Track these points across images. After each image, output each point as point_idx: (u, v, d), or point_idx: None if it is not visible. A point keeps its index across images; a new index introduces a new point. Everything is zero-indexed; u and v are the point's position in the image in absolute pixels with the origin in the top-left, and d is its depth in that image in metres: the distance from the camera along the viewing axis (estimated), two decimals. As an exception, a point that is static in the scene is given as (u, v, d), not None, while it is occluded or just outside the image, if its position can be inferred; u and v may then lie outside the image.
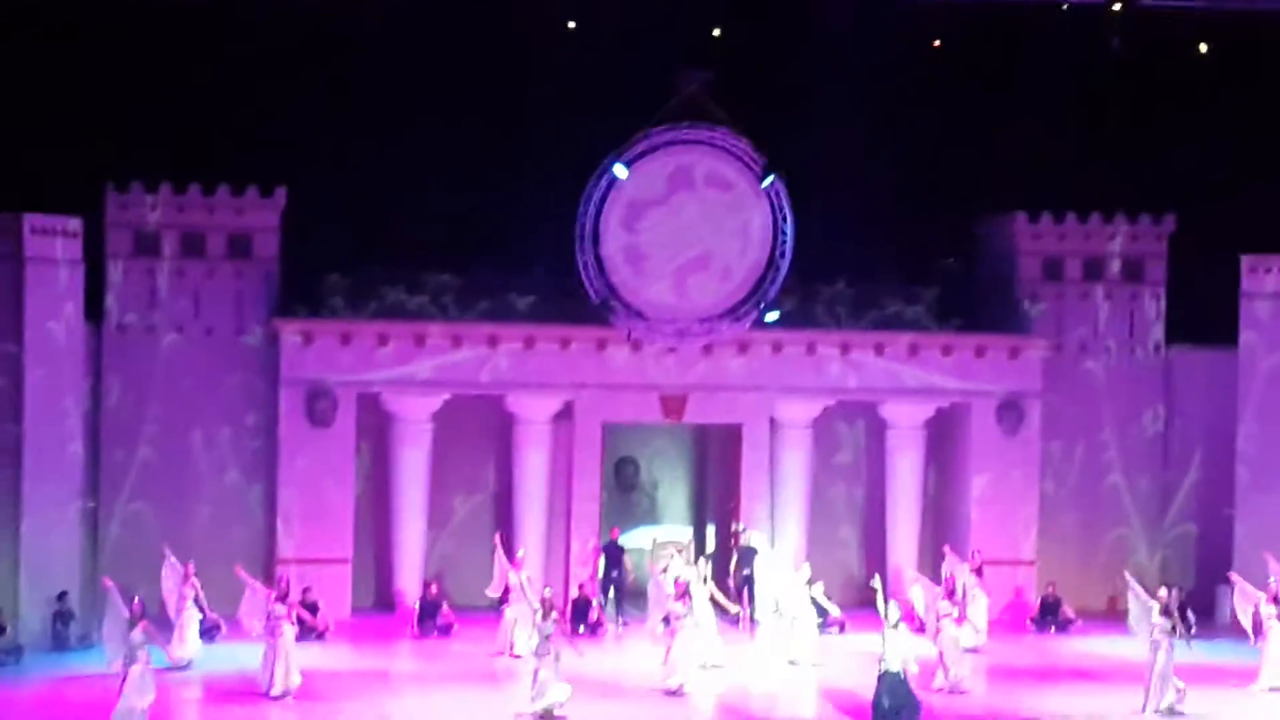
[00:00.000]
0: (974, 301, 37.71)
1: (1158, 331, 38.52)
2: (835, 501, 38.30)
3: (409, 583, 35.83)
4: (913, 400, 37.17)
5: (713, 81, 34.87)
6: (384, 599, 36.21)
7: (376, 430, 36.26)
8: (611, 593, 35.22)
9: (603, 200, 34.44)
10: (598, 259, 34.59)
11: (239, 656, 29.53)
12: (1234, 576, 31.06)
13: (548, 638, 27.05)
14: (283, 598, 28.66)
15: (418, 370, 35.60)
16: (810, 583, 32.27)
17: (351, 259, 35.48)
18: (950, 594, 30.13)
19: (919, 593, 30.53)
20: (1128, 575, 29.27)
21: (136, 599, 25.85)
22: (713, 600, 31.47)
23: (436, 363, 35.62)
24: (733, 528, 35.97)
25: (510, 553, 32.52)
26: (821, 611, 32.77)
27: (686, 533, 38.61)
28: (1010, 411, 37.09)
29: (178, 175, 35.12)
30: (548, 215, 34.27)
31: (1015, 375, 37.07)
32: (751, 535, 34.91)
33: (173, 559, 31.35)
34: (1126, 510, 38.53)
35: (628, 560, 35.37)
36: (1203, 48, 36.91)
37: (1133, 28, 36.80)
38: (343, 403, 35.27)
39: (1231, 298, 36.62)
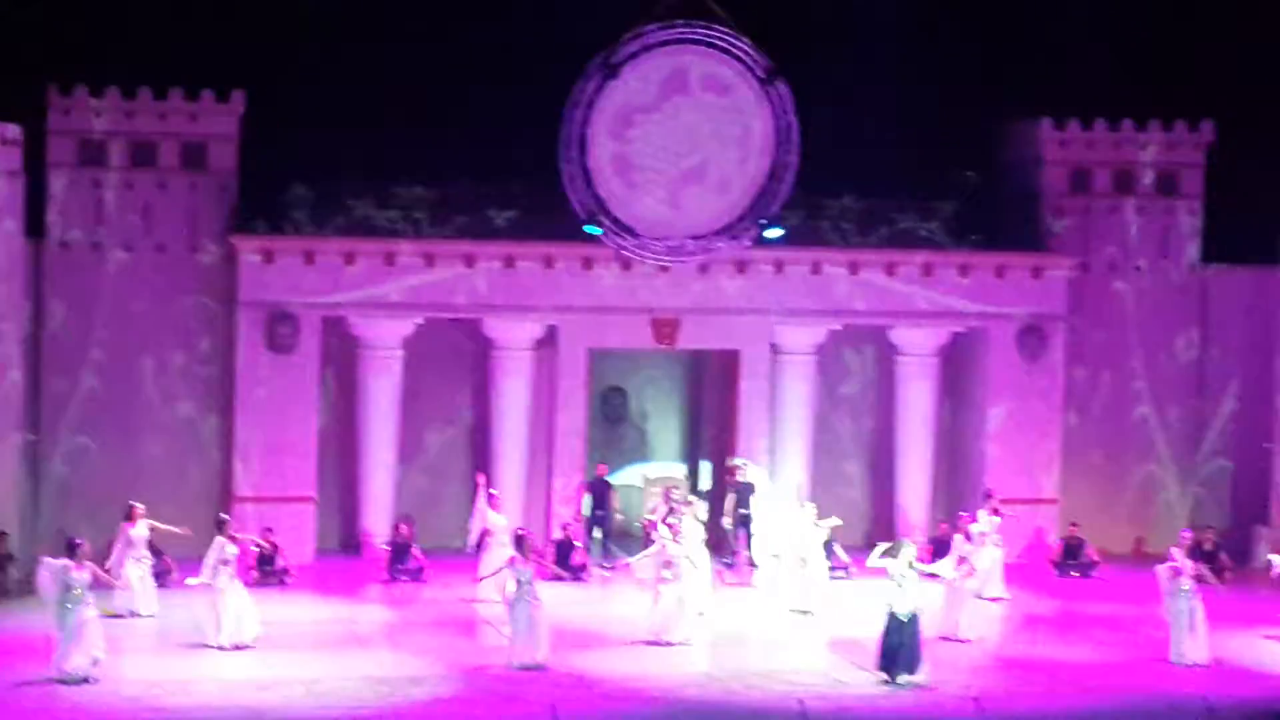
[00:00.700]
0: (994, 217, 37.15)
1: (1193, 250, 37.89)
2: (841, 435, 37.95)
3: (377, 523, 35.41)
4: (926, 324, 36.68)
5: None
6: (350, 541, 35.87)
7: (343, 357, 35.87)
8: (598, 533, 34.94)
9: (590, 106, 33.48)
10: (584, 170, 33.61)
11: (195, 605, 28.47)
12: None
13: (527, 582, 26.42)
14: (233, 540, 28.05)
15: (388, 291, 34.94)
16: (820, 524, 31.83)
17: (316, 170, 34.87)
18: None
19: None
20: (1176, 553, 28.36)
21: (78, 539, 25.58)
22: (708, 543, 31.14)
23: (408, 283, 35.02)
24: (729, 463, 35.32)
25: (490, 494, 32.15)
26: (830, 554, 32.41)
27: (679, 469, 38.28)
28: (1031, 337, 36.49)
29: (127, 78, 34.63)
30: (530, 122, 33.53)
31: (1037, 297, 36.55)
32: (749, 471, 34.49)
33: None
34: (1156, 445, 38.04)
35: (615, 499, 35.22)
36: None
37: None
38: (306, 327, 34.69)
39: (1273, 213, 36.00)
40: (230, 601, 27.19)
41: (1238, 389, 37.67)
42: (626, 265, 34.95)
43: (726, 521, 33.72)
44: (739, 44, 33.65)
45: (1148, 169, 37.54)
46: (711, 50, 33.67)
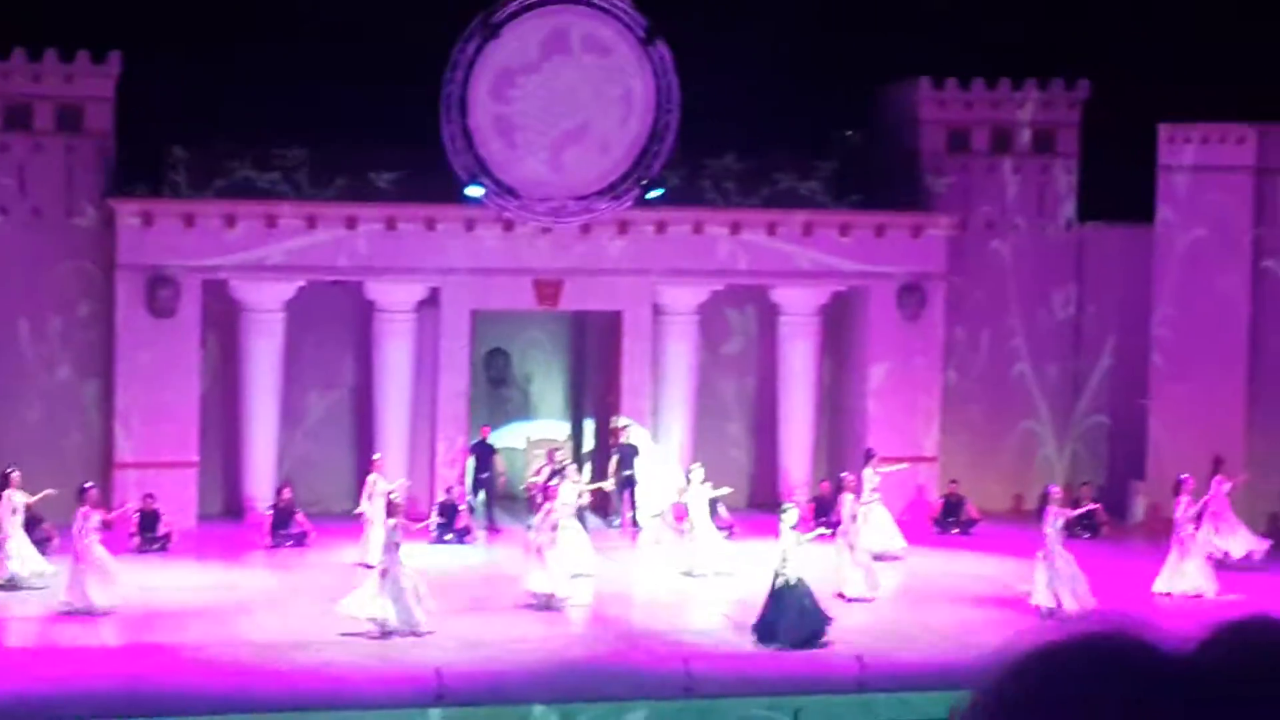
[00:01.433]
0: (873, 176, 36.91)
1: (1069, 208, 37.75)
2: (724, 395, 37.72)
3: (260, 488, 34.91)
4: (807, 284, 36.53)
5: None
6: (233, 506, 35.44)
7: (224, 321, 35.32)
8: (481, 496, 34.56)
9: (470, 66, 33.41)
10: (465, 131, 33.61)
11: (64, 573, 27.98)
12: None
13: (396, 545, 26.17)
14: (95, 507, 27.78)
15: (269, 254, 34.49)
16: (708, 488, 31.57)
17: (195, 132, 34.35)
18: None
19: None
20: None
21: None
22: (589, 504, 31.24)
23: (289, 246, 34.56)
24: (612, 424, 35.40)
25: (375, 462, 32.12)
26: (714, 514, 32.05)
27: (562, 430, 38.04)
28: (911, 295, 36.34)
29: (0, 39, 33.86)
30: (411, 82, 33.17)
31: (917, 256, 36.39)
32: (633, 432, 34.55)
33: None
34: (1035, 401, 38.01)
35: (499, 461, 34.85)
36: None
37: None
38: (186, 291, 34.21)
39: (1148, 170, 35.76)
40: (94, 568, 26.91)
41: (1114, 346, 37.28)
42: (509, 227, 34.56)
43: (609, 483, 33.53)
44: (618, 4, 33.49)
45: (1024, 128, 37.34)
46: (591, 10, 33.63)
